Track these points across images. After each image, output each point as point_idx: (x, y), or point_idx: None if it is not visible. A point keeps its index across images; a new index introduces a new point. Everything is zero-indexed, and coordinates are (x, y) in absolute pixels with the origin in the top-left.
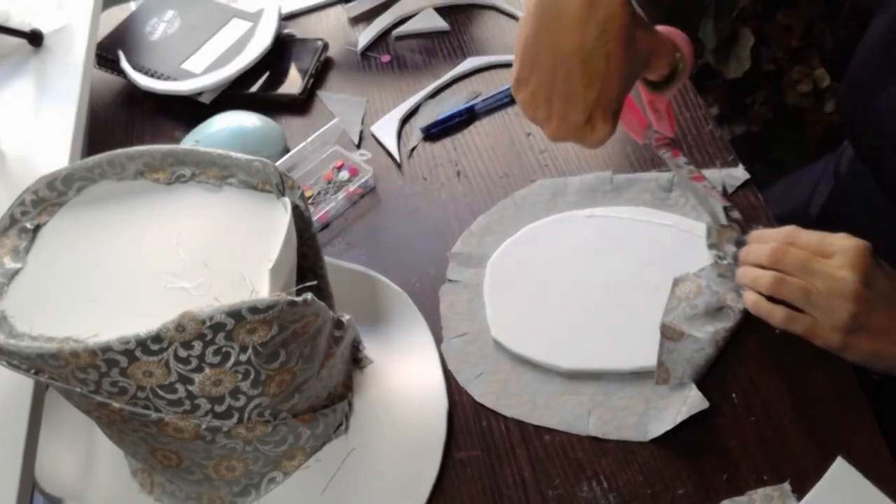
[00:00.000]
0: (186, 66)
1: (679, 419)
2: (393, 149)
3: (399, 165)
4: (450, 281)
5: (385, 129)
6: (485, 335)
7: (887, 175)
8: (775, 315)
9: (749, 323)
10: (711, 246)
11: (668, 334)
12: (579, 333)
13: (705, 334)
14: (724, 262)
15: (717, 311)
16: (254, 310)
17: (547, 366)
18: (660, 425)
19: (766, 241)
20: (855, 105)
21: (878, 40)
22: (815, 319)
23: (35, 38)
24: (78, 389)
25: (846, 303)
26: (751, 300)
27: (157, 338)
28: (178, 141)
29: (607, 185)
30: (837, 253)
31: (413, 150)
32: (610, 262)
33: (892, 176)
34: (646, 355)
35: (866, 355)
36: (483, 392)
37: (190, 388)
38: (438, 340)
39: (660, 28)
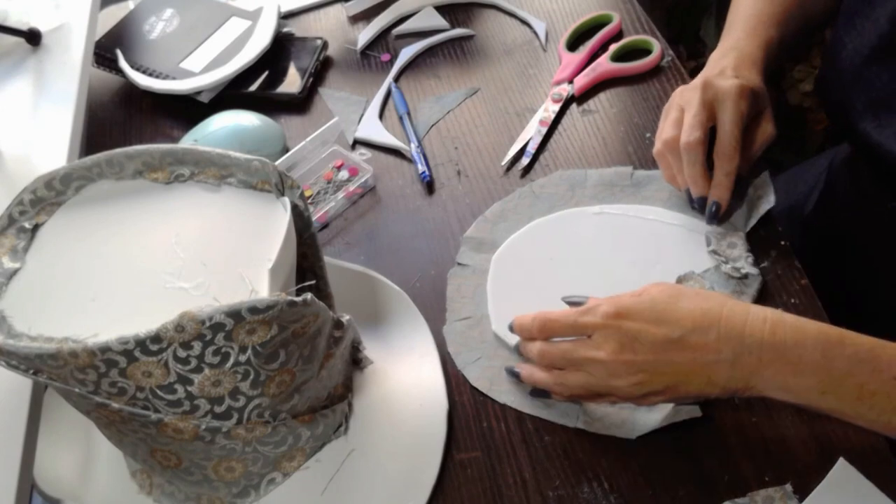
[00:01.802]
0: (185, 64)
1: (666, 422)
2: (390, 141)
3: (404, 155)
4: (459, 264)
5: (370, 128)
6: (487, 321)
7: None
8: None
9: None
10: (713, 252)
11: None
12: None
13: None
14: (727, 265)
15: None
16: (253, 310)
17: None
18: (647, 424)
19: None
20: (828, 72)
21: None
22: (619, 399)
23: (33, 37)
24: (77, 390)
25: (619, 378)
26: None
27: (156, 338)
28: (176, 140)
29: (626, 181)
30: (592, 331)
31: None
32: (614, 260)
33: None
34: None
35: (683, 399)
36: (478, 376)
37: (189, 388)
38: (441, 323)
39: None
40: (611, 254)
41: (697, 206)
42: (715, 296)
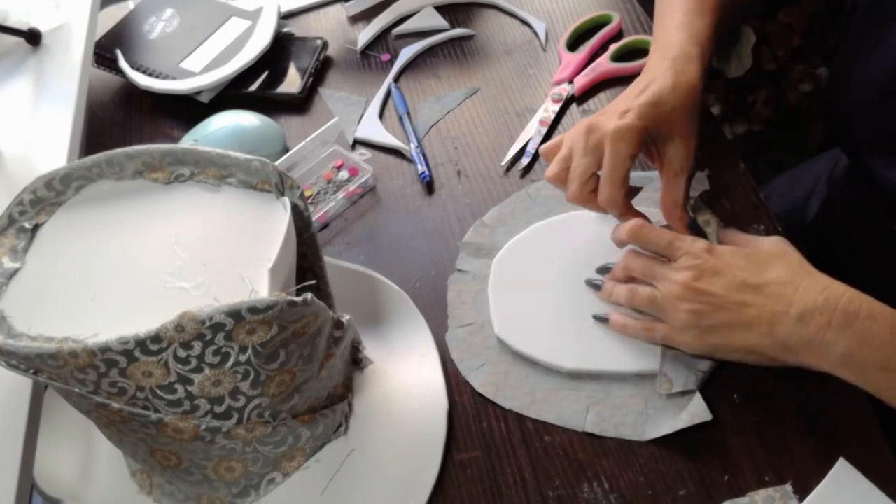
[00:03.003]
0: (185, 64)
1: (679, 426)
2: (390, 141)
3: (404, 155)
4: (459, 271)
5: (370, 128)
6: (489, 326)
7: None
8: (636, 333)
9: None
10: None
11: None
12: (582, 334)
13: None
14: None
15: None
16: (253, 310)
17: (549, 365)
18: (658, 428)
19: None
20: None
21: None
22: (670, 326)
23: (33, 37)
24: (77, 390)
25: (682, 302)
26: (618, 324)
27: (156, 338)
28: (176, 140)
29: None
30: (680, 256)
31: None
32: (613, 262)
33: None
34: (648, 358)
35: (734, 351)
36: (483, 382)
37: (189, 388)
38: (443, 330)
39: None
40: (612, 257)
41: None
42: (810, 268)
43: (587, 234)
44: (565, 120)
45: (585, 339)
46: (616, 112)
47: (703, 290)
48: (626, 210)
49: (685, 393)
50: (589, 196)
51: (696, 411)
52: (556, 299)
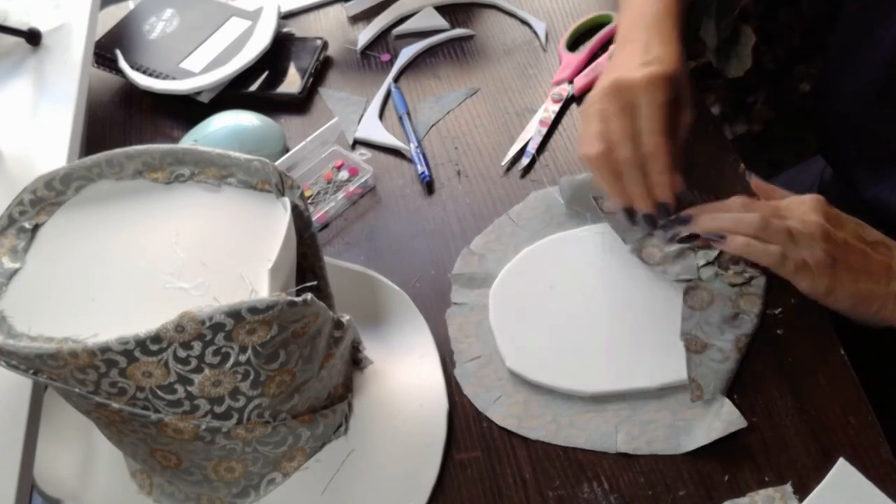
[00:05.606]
0: (185, 65)
1: (714, 436)
2: (390, 141)
3: (404, 155)
4: (455, 304)
5: (370, 128)
6: (498, 357)
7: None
8: (771, 253)
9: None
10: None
11: (693, 347)
12: (598, 356)
13: (727, 343)
14: (730, 271)
15: (733, 318)
16: (253, 310)
17: (571, 392)
18: (692, 439)
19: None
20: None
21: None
22: (803, 259)
23: (33, 38)
24: (77, 390)
25: (820, 241)
26: (740, 241)
27: (156, 338)
28: (176, 140)
29: (602, 191)
30: (800, 204)
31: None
32: (613, 279)
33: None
34: (669, 370)
35: (851, 297)
36: (503, 416)
37: (189, 388)
38: (443, 330)
39: None
40: (610, 272)
41: (645, 222)
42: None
43: (580, 254)
44: (565, 120)
45: (603, 360)
46: (628, 68)
47: (837, 234)
48: (669, 164)
49: (711, 399)
50: (635, 162)
51: (730, 419)
52: (565, 324)
